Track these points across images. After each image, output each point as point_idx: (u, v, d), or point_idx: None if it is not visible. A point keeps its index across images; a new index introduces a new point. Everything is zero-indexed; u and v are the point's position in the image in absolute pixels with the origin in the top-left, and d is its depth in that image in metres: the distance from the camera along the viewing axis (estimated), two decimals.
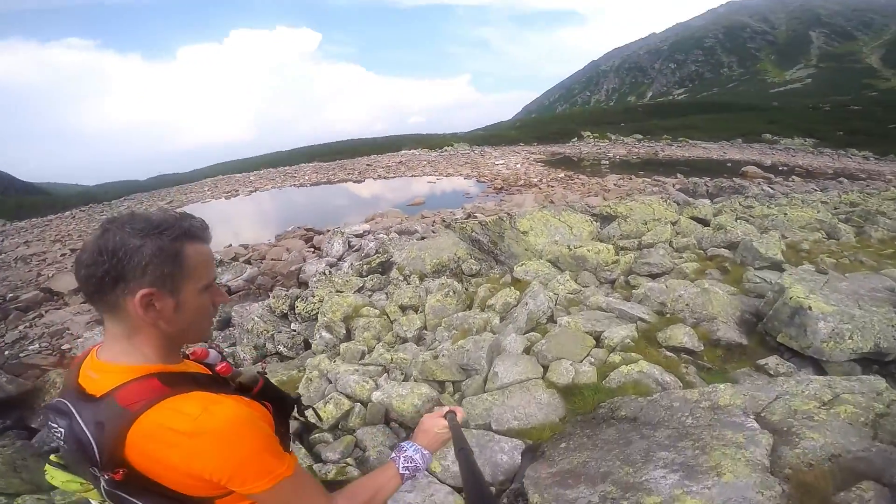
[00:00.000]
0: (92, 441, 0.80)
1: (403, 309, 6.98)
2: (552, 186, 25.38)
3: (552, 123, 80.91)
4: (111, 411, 0.80)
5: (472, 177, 32.52)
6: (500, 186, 27.05)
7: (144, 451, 0.80)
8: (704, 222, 11.54)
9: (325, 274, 10.32)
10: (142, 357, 0.89)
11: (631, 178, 26.60)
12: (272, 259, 14.40)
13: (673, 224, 10.87)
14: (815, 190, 19.22)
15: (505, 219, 8.90)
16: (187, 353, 1.09)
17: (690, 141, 50.19)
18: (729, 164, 33.60)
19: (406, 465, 1.11)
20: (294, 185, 39.41)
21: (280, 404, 1.10)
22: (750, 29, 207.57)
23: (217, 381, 0.99)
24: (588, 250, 7.27)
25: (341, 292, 8.19)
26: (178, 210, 0.96)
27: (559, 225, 9.16)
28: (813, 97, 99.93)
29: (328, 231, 15.85)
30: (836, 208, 13.12)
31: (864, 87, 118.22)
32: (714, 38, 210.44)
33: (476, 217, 15.90)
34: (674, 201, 15.85)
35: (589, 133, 57.99)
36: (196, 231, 0.91)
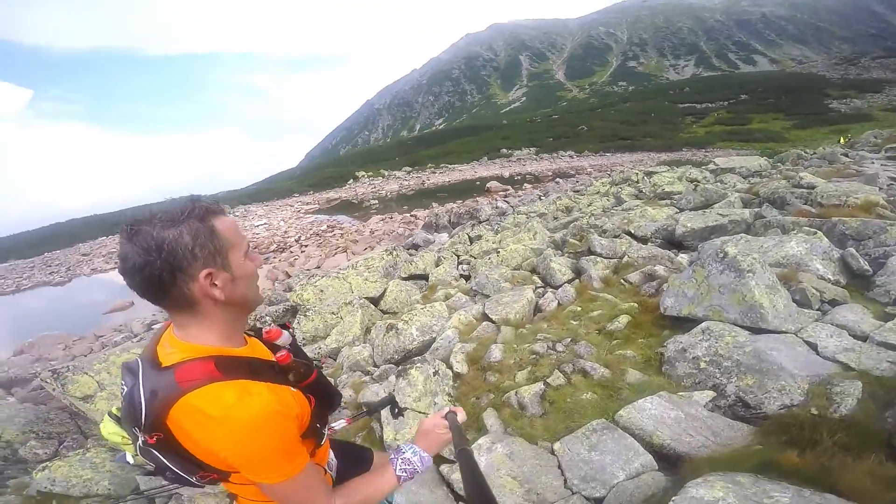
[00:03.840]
0: (143, 404, 0.82)
1: None
2: (306, 246, 20.98)
3: (326, 168, 77.60)
4: (167, 383, 0.82)
5: None
6: None
7: (180, 425, 0.82)
8: (423, 277, 8.64)
9: None
10: (207, 340, 0.89)
11: (392, 218, 24.10)
12: None
13: (375, 303, 7.49)
14: (540, 197, 19.31)
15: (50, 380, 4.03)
16: (263, 332, 1.09)
17: (450, 166, 52.39)
18: (478, 182, 34.67)
19: (404, 467, 1.05)
20: None
21: (326, 399, 1.07)
22: (482, 58, 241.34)
23: (274, 370, 0.95)
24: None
25: None
26: (182, 196, 0.91)
27: None
28: (528, 112, 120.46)
29: None
30: (555, 218, 12.08)
31: (558, 98, 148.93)
32: (458, 70, 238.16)
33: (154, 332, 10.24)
34: (404, 248, 13.22)
35: (363, 172, 55.97)
36: (214, 207, 0.89)
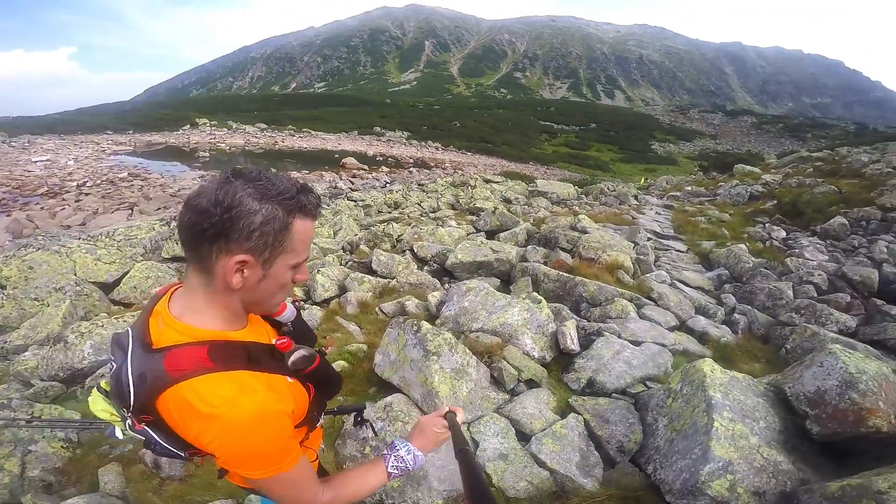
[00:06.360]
0: (131, 388, 0.79)
1: None
2: (86, 195, 16.57)
3: (162, 108, 65.65)
4: (155, 369, 0.78)
5: None
6: None
7: (170, 414, 0.79)
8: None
9: None
10: (206, 320, 0.83)
11: (214, 177, 20.70)
12: None
13: (108, 290, 5.99)
14: (386, 184, 18.50)
15: None
16: None
17: (313, 132, 48.40)
18: (336, 155, 32.42)
19: (396, 464, 1.03)
20: None
21: (327, 387, 1.03)
22: (388, 34, 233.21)
23: (273, 356, 0.90)
24: None
25: None
26: (300, 180, 0.84)
27: None
28: (414, 97, 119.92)
29: None
30: (379, 212, 11.23)
31: (445, 91, 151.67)
32: (359, 39, 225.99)
33: None
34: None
35: (206, 121, 48.12)
36: (310, 207, 0.82)
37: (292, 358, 0.90)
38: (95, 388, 0.95)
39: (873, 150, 13.46)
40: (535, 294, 3.67)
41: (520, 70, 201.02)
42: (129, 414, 0.80)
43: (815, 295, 4.63)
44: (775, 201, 8.99)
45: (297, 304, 1.04)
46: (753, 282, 5.01)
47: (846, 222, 7.03)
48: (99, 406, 0.94)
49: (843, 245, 6.50)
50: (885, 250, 5.65)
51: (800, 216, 7.86)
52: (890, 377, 2.16)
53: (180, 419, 0.77)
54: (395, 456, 1.03)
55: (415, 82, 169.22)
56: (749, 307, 4.45)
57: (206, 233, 0.73)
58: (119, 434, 0.95)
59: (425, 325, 2.80)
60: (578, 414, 2.60)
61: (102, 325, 4.21)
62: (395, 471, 1.02)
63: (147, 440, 0.86)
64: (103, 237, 8.04)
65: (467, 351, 2.79)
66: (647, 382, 2.98)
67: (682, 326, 4.07)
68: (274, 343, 0.91)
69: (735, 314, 4.35)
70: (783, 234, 7.29)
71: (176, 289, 0.88)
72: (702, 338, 3.85)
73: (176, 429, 0.79)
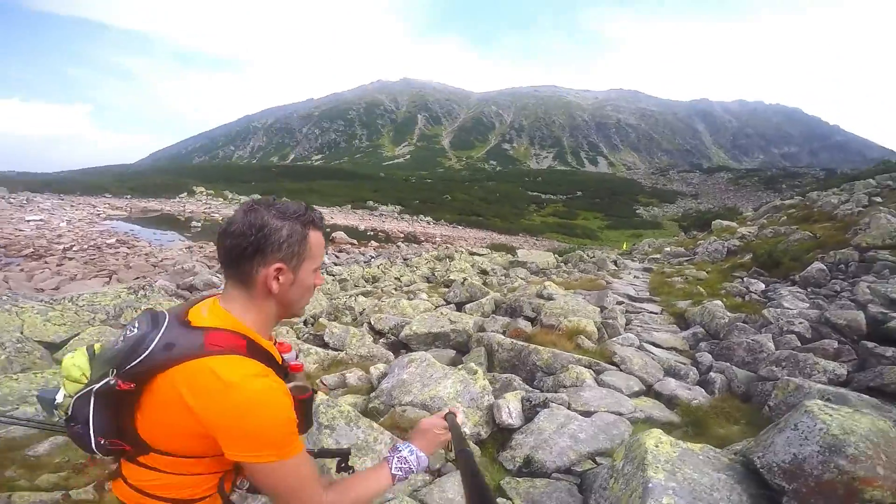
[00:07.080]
0: (146, 351, 0.82)
1: None
2: (69, 259, 16.40)
3: (162, 175, 67.88)
4: (192, 341, 0.84)
5: None
6: None
7: (177, 385, 0.81)
8: None
9: None
10: (248, 321, 0.92)
11: (201, 248, 20.67)
12: None
13: (55, 350, 5.69)
14: (371, 258, 18.55)
15: None
16: (275, 343, 1.10)
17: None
18: (329, 230, 32.85)
19: (400, 465, 1.04)
20: None
21: (304, 421, 1.00)
22: (383, 107, 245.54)
23: (283, 372, 0.98)
24: None
25: None
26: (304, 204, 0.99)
27: None
28: (408, 170, 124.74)
29: None
30: (355, 286, 11.04)
31: (437, 164, 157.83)
32: (356, 112, 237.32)
33: None
34: (179, 287, 10.77)
35: (203, 189, 49.51)
36: (318, 221, 0.96)
37: (290, 384, 0.95)
38: (84, 348, 0.97)
39: (841, 191, 13.65)
40: (472, 365, 3.36)
41: (507, 141, 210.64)
42: (115, 375, 0.82)
43: (799, 344, 4.28)
44: (752, 254, 8.90)
45: (297, 349, 1.07)
46: (731, 337, 4.71)
47: (824, 267, 6.85)
48: (76, 361, 0.94)
49: (825, 291, 6.27)
50: (868, 290, 5.39)
51: (777, 266, 7.71)
52: (890, 433, 1.75)
53: (192, 389, 0.80)
54: (398, 457, 1.03)
55: (408, 156, 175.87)
56: (727, 364, 4.08)
57: (245, 251, 0.87)
58: (59, 398, 0.95)
59: (320, 395, 2.49)
60: (509, 499, 2.19)
61: (16, 379, 4.09)
62: (400, 472, 1.02)
63: (75, 417, 0.87)
64: (66, 301, 7.92)
65: (374, 425, 2.43)
66: (598, 458, 2.58)
67: (650, 391, 3.70)
68: (283, 363, 1.00)
69: (711, 373, 3.99)
70: (762, 286, 7.09)
71: (220, 296, 0.96)
72: (670, 402, 3.47)
73: (163, 406, 0.82)
